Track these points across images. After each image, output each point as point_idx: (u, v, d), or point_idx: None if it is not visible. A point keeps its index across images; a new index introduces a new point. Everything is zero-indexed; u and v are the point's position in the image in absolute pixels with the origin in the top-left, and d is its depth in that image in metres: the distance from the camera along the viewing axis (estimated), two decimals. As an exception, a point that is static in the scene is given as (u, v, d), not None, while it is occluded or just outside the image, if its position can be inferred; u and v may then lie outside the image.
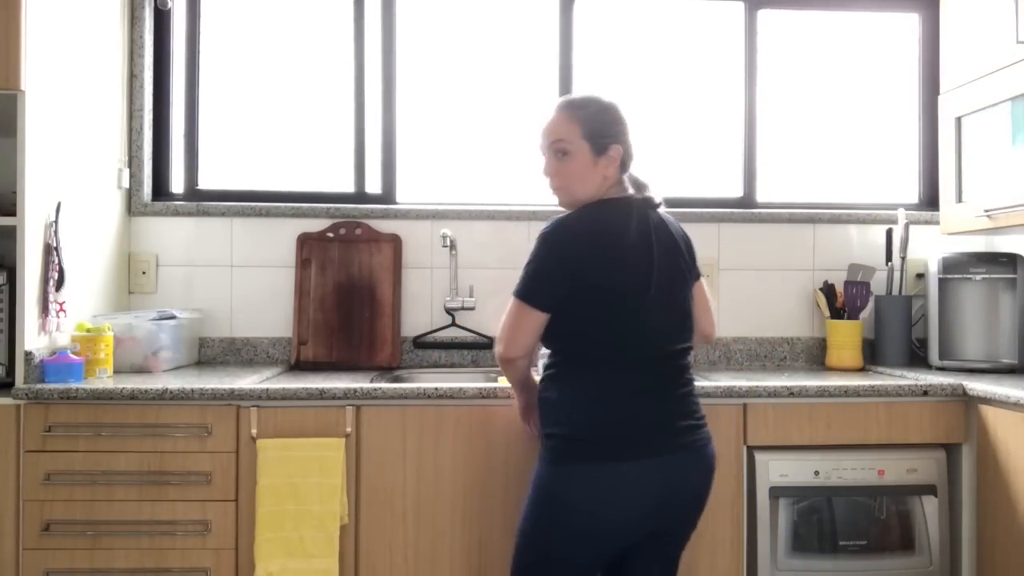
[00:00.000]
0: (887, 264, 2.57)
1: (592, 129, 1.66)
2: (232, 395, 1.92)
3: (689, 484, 1.62)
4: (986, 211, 2.22)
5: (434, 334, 2.54)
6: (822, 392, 2.02)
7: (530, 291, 1.61)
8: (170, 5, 2.56)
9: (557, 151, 1.68)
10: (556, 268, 1.59)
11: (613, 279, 1.58)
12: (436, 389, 1.95)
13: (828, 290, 2.55)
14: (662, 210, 1.73)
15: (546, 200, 2.65)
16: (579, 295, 1.58)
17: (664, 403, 1.62)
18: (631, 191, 1.71)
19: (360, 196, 2.64)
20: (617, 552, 1.63)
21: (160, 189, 2.60)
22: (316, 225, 2.55)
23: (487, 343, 2.53)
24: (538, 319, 1.61)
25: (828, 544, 2.04)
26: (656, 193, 1.73)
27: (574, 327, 1.61)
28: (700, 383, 2.06)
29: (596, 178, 1.67)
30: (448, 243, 2.45)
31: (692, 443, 1.62)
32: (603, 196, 1.68)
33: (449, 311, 2.52)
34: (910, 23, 2.79)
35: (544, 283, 1.60)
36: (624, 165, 1.71)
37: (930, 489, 2.05)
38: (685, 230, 1.77)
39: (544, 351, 1.73)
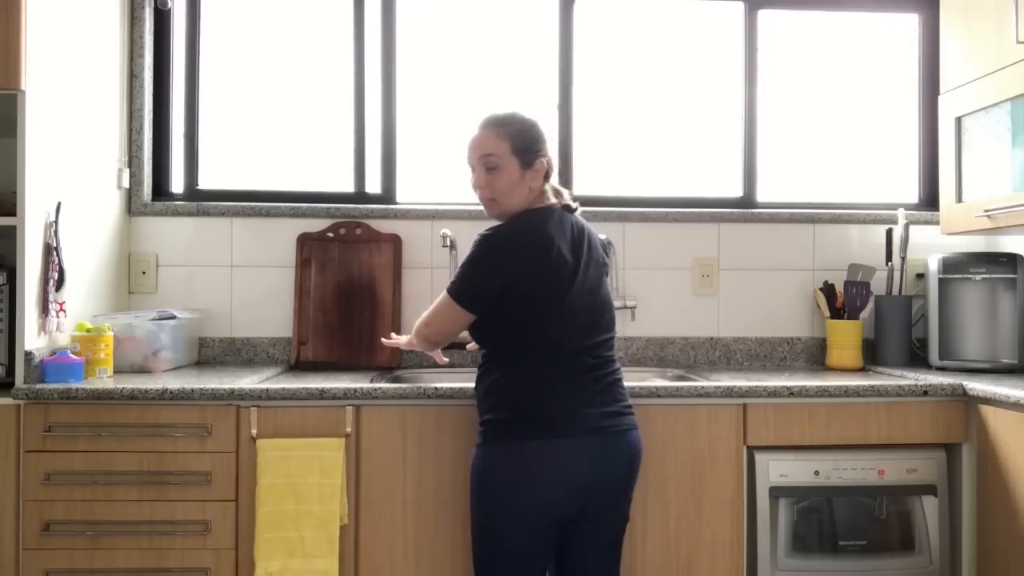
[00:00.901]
0: (887, 264, 2.57)
1: (519, 145, 1.77)
2: (232, 395, 1.92)
3: (609, 467, 1.71)
4: (986, 211, 2.22)
5: (434, 334, 2.54)
6: (822, 392, 2.02)
7: (463, 293, 1.74)
8: (170, 5, 2.56)
9: (487, 166, 1.78)
10: (492, 276, 1.71)
11: (544, 282, 1.70)
12: (436, 389, 1.95)
13: (828, 290, 2.55)
14: (577, 214, 1.85)
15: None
16: (511, 299, 1.70)
17: (585, 389, 1.72)
18: (552, 200, 1.83)
19: (360, 196, 2.64)
20: (551, 536, 1.71)
21: (160, 189, 2.60)
22: (316, 225, 2.55)
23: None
24: (465, 318, 1.76)
25: (828, 544, 2.04)
26: (571, 199, 1.87)
27: (504, 327, 1.73)
28: (700, 383, 2.07)
29: (523, 190, 1.78)
30: (448, 243, 2.45)
31: (613, 427, 1.72)
32: (531, 206, 1.79)
33: (449, 311, 2.51)
34: (910, 23, 2.79)
35: (478, 288, 1.73)
36: (547, 176, 1.82)
37: (930, 489, 2.05)
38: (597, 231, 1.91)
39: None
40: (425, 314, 1.84)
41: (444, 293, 1.77)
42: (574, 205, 1.86)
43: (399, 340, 2.05)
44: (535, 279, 1.69)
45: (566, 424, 1.67)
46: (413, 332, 1.90)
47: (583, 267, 1.74)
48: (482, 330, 1.77)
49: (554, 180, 1.87)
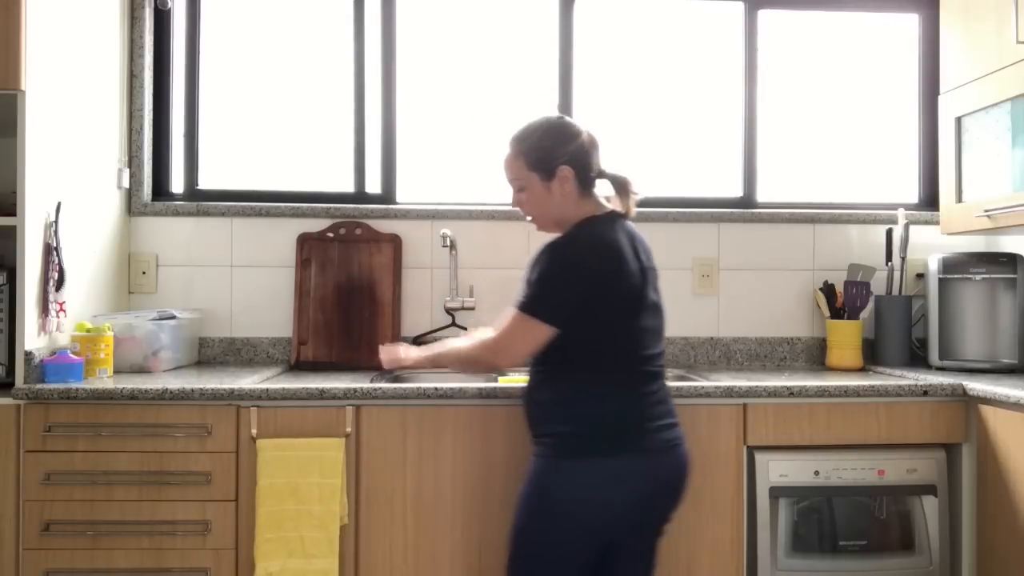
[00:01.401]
0: (887, 264, 2.57)
1: (534, 159, 1.73)
2: (232, 395, 1.92)
3: (669, 480, 1.70)
4: (986, 211, 2.22)
5: (434, 334, 2.54)
6: (822, 392, 2.02)
7: (542, 307, 1.65)
8: (170, 5, 2.56)
9: (515, 187, 1.78)
10: (570, 283, 1.64)
11: (618, 291, 1.65)
12: (436, 389, 1.95)
13: (828, 290, 2.55)
14: (628, 221, 1.80)
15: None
16: (590, 306, 1.63)
17: (650, 401, 1.69)
18: (607, 205, 1.78)
19: (360, 196, 2.64)
20: (605, 544, 1.68)
21: (160, 189, 2.60)
22: (316, 225, 2.55)
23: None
24: (545, 334, 1.65)
25: (828, 544, 2.04)
26: (623, 206, 1.79)
27: (577, 336, 1.65)
28: (700, 383, 2.07)
29: (555, 200, 1.73)
30: (448, 243, 2.45)
31: (673, 440, 1.70)
32: (588, 214, 1.74)
33: (449, 311, 2.51)
34: (910, 23, 2.79)
35: (557, 299, 1.65)
36: (583, 179, 1.74)
37: (930, 489, 2.05)
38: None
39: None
40: (492, 343, 1.72)
41: (515, 313, 1.67)
42: (630, 212, 1.79)
43: (408, 355, 1.94)
44: (611, 287, 1.64)
45: (638, 438, 1.64)
46: (467, 346, 1.79)
47: (647, 274, 1.70)
48: (551, 342, 1.67)
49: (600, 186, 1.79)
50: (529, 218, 1.81)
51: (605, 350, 1.66)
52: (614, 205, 1.78)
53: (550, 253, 1.66)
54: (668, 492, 1.71)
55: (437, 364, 1.89)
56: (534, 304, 1.66)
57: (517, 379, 2.12)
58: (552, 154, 1.72)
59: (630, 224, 1.77)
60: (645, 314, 1.68)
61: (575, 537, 1.64)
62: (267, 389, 1.92)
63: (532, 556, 1.67)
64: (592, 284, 1.63)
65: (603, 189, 1.80)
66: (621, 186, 1.78)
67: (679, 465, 1.70)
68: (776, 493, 2.01)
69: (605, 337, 1.66)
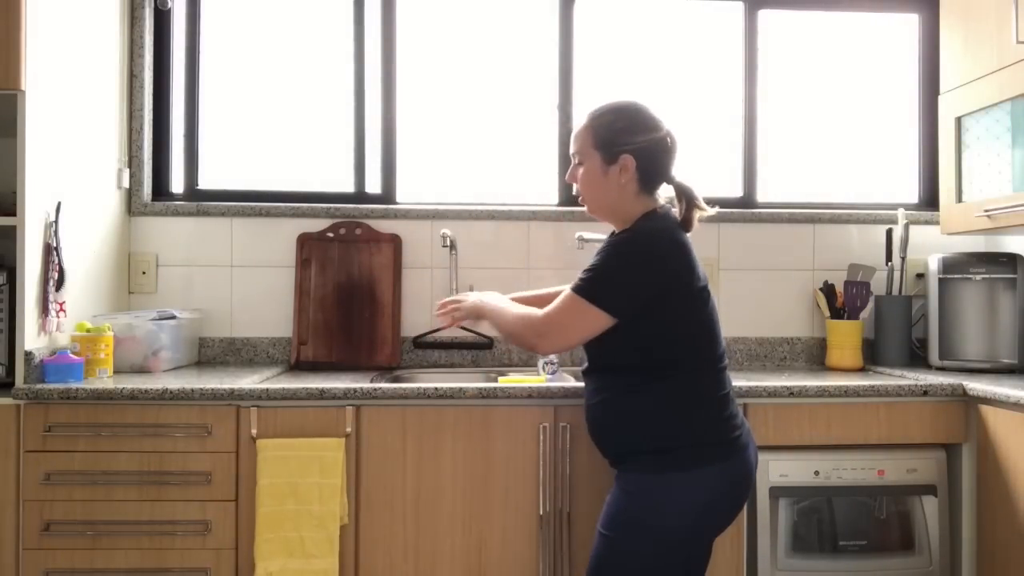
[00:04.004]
0: (887, 264, 2.57)
1: (603, 138, 1.65)
2: (232, 395, 1.91)
3: (752, 476, 1.68)
4: (986, 211, 2.22)
5: (434, 334, 2.54)
6: (822, 392, 2.02)
7: (602, 292, 1.56)
8: (170, 5, 2.56)
9: (576, 162, 1.70)
10: (639, 273, 1.56)
11: (695, 283, 1.60)
12: (436, 389, 1.95)
13: (828, 290, 2.55)
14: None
15: (545, 200, 2.67)
16: (672, 300, 1.57)
17: (729, 399, 1.66)
18: (671, 208, 1.71)
19: (360, 196, 2.64)
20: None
21: (160, 189, 2.60)
22: (316, 225, 2.55)
23: (487, 343, 2.53)
24: (601, 323, 1.57)
25: (828, 544, 2.04)
26: (687, 212, 1.70)
27: (665, 333, 1.59)
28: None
29: (611, 187, 1.66)
30: (448, 243, 2.45)
31: (748, 435, 1.68)
32: (648, 210, 1.67)
33: (449, 311, 2.51)
34: (910, 23, 2.79)
35: (620, 287, 1.56)
36: (646, 175, 1.66)
37: (930, 489, 2.05)
38: None
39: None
40: (539, 325, 1.62)
41: (569, 295, 1.58)
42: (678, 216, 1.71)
43: (464, 298, 1.85)
44: (687, 280, 1.58)
45: (728, 444, 1.60)
46: (512, 318, 1.68)
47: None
48: (634, 339, 1.58)
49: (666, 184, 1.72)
50: (579, 196, 1.73)
51: (688, 350, 1.60)
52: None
53: (616, 242, 1.60)
54: (749, 489, 1.67)
55: (482, 317, 1.80)
56: (593, 288, 1.56)
57: (517, 379, 2.11)
58: (620, 139, 1.64)
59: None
60: (714, 311, 1.65)
61: (673, 557, 1.59)
62: (267, 389, 1.92)
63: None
64: (665, 277, 1.56)
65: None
66: (688, 197, 1.69)
67: (755, 460, 1.68)
68: (776, 493, 2.01)
69: (685, 335, 1.59)
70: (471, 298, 1.85)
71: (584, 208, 1.77)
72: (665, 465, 1.58)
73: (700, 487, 1.57)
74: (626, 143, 1.64)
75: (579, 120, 1.73)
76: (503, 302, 1.81)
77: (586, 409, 1.73)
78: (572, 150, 1.71)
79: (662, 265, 1.57)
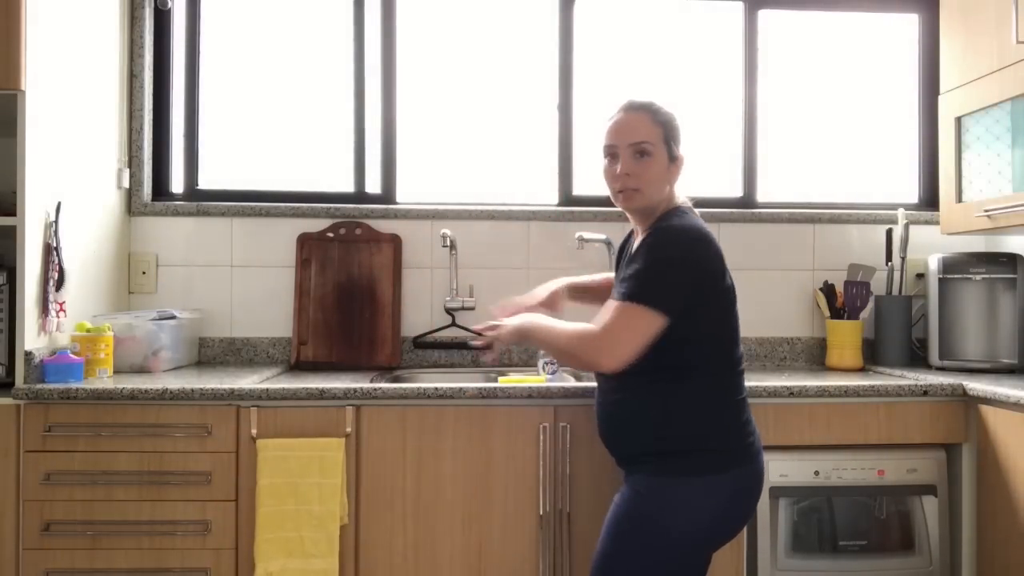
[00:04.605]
0: (887, 264, 2.57)
1: (669, 134, 1.66)
2: (232, 395, 1.91)
3: (762, 483, 1.68)
4: (986, 211, 2.22)
5: (434, 334, 2.54)
6: (822, 392, 2.02)
7: (654, 294, 1.53)
8: (170, 5, 2.56)
9: (638, 151, 1.64)
10: (682, 272, 1.55)
11: (725, 283, 1.62)
12: (436, 389, 1.95)
13: (828, 290, 2.55)
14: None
15: (546, 200, 2.67)
16: (701, 300, 1.57)
17: (745, 404, 1.66)
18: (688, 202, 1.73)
19: (360, 196, 2.64)
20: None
21: (160, 189, 2.60)
22: (316, 225, 2.55)
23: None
24: (658, 325, 1.53)
25: (828, 544, 2.04)
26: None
27: (695, 333, 1.58)
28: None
29: (666, 184, 1.67)
30: (448, 243, 2.45)
31: (759, 443, 1.68)
32: (676, 205, 1.68)
33: (449, 311, 2.52)
34: (910, 23, 2.79)
35: (669, 287, 1.54)
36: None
37: (930, 489, 2.05)
38: None
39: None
40: (597, 341, 1.54)
41: (619, 304, 1.54)
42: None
43: (503, 323, 1.74)
44: (719, 280, 1.59)
45: (744, 450, 1.60)
46: (565, 337, 1.59)
47: None
48: (656, 347, 1.54)
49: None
50: (627, 192, 1.65)
51: (714, 351, 1.60)
52: None
53: (658, 243, 1.57)
54: (758, 499, 1.66)
55: (528, 339, 1.71)
56: (645, 291, 1.52)
57: (517, 379, 2.11)
58: (679, 137, 1.68)
59: None
60: (737, 311, 1.65)
61: (680, 562, 1.58)
62: (267, 389, 1.92)
63: None
64: (704, 276, 1.57)
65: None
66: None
67: (763, 468, 1.66)
68: (776, 493, 2.01)
69: (713, 336, 1.60)
70: (513, 322, 1.74)
71: (623, 200, 1.67)
72: (680, 469, 1.56)
73: (714, 494, 1.56)
74: (680, 143, 1.69)
75: (623, 112, 1.68)
76: (549, 320, 1.70)
77: (599, 408, 1.71)
78: (636, 140, 1.63)
79: (705, 264, 1.58)
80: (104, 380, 2.02)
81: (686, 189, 2.72)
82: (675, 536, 1.56)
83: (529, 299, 1.92)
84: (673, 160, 1.67)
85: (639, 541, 1.57)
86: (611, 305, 1.56)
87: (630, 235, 1.86)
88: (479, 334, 1.80)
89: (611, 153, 1.67)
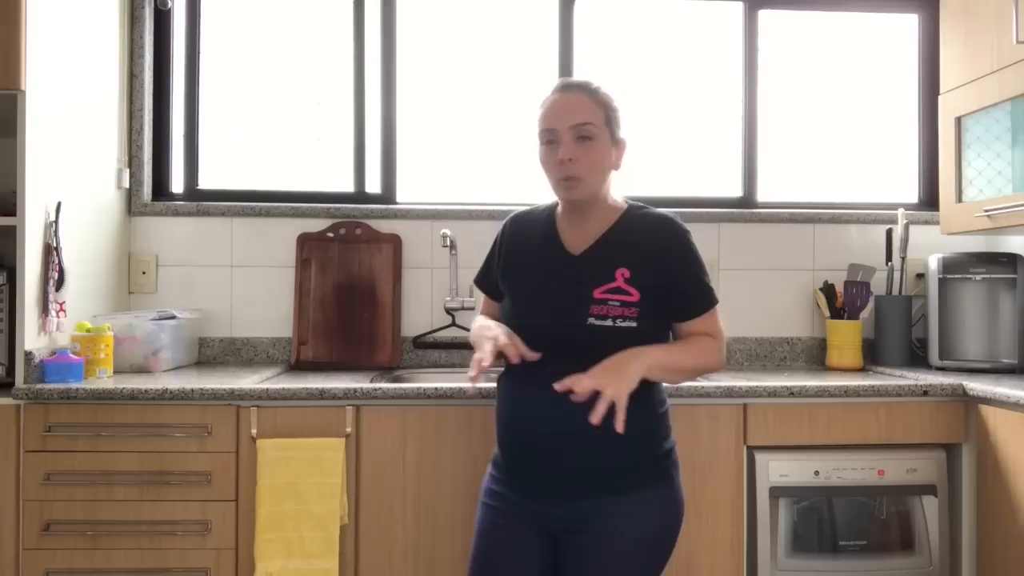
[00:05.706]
0: (887, 264, 2.57)
1: (609, 115, 1.55)
2: (232, 395, 1.92)
3: None
4: (986, 211, 2.22)
5: (434, 334, 2.54)
6: (822, 392, 2.02)
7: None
8: (170, 5, 2.56)
9: (580, 135, 1.51)
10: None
11: None
12: (436, 389, 1.95)
13: (828, 290, 2.55)
14: None
15: (546, 200, 2.66)
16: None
17: None
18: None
19: (360, 196, 2.64)
20: None
21: (160, 189, 2.60)
22: (316, 225, 2.55)
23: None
24: None
25: (828, 544, 2.04)
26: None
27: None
28: (700, 383, 2.06)
29: (608, 168, 1.56)
30: (448, 243, 2.45)
31: None
32: (613, 197, 1.62)
33: (449, 311, 2.52)
34: (910, 23, 2.79)
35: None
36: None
37: (930, 489, 2.05)
38: None
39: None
40: (717, 343, 1.58)
41: (714, 310, 1.58)
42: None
43: (625, 380, 1.43)
44: None
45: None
46: (691, 360, 1.54)
47: None
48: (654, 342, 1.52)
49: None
50: (570, 180, 1.52)
51: None
52: None
53: (687, 240, 1.56)
54: None
55: (651, 379, 1.51)
56: (713, 291, 1.60)
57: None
58: (618, 118, 1.57)
59: None
60: None
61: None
62: (267, 389, 1.92)
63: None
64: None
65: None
66: None
67: None
68: (776, 493, 2.01)
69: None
70: (611, 374, 1.43)
71: (566, 189, 1.56)
72: (671, 471, 1.58)
73: (681, 491, 1.60)
74: (620, 122, 1.58)
75: (559, 92, 1.56)
76: (654, 351, 1.50)
77: (579, 426, 1.42)
78: (578, 122, 1.51)
79: None
80: (104, 380, 2.02)
81: (689, 190, 2.74)
82: (674, 541, 1.59)
83: (502, 338, 1.56)
84: (616, 144, 1.57)
85: (660, 558, 1.56)
86: (708, 312, 1.57)
87: (530, 221, 1.72)
88: (572, 393, 1.42)
89: (549, 139, 1.54)
